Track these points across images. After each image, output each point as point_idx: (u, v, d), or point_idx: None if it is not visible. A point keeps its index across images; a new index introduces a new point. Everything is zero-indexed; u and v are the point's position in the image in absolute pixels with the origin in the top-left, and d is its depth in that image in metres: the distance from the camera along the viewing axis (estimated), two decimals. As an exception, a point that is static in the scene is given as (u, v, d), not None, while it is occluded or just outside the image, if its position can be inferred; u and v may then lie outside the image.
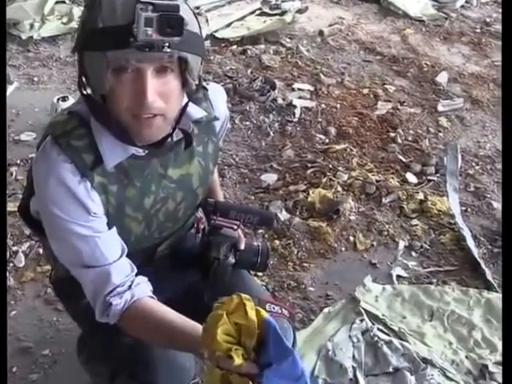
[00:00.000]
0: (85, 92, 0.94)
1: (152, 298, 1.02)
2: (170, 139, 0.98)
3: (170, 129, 0.97)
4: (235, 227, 1.16)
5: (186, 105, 0.98)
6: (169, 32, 0.83)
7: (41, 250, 1.92)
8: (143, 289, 1.02)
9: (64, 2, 3.52)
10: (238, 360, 0.79)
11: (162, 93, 0.90)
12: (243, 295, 0.82)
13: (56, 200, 0.95)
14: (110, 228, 1.01)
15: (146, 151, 1.01)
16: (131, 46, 0.83)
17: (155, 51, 0.85)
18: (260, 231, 2.07)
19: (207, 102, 1.09)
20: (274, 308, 1.15)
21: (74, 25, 3.33)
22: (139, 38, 0.82)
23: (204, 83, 1.08)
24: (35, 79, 2.91)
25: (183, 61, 0.90)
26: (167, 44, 0.84)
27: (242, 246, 1.20)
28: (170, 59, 0.88)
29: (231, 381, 0.80)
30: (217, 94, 1.13)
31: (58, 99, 2.46)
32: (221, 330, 0.80)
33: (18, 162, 2.31)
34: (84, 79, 0.93)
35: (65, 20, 3.38)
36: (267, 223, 1.22)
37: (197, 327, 0.92)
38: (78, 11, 3.42)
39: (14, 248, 1.93)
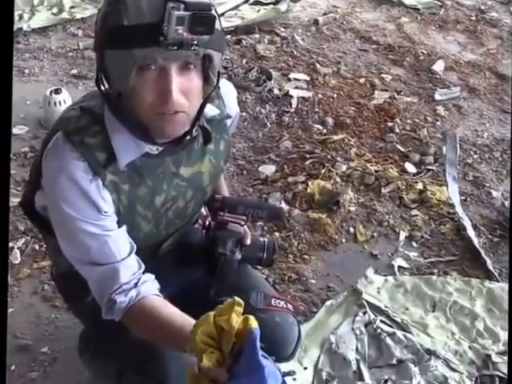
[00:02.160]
0: (103, 88, 0.92)
1: (158, 295, 1.00)
2: (188, 136, 0.97)
3: (189, 126, 0.96)
4: (242, 223, 1.14)
5: (205, 102, 0.96)
6: (200, 31, 0.82)
7: (37, 246, 1.89)
8: (149, 287, 1.00)
9: (54, -8, 3.45)
10: (206, 362, 0.77)
11: (184, 90, 0.89)
12: (237, 299, 0.80)
13: (66, 198, 0.94)
14: (119, 226, 0.99)
15: (160, 149, 0.99)
16: (160, 45, 0.82)
17: (183, 49, 0.83)
18: (259, 223, 2.05)
19: (219, 99, 1.08)
20: (279, 303, 1.14)
21: (65, 15, 3.27)
22: (169, 37, 0.81)
23: None
24: (26, 71, 2.85)
25: (207, 58, 0.89)
26: (196, 42, 0.83)
27: (248, 242, 1.18)
28: (195, 57, 0.87)
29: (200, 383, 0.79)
30: (228, 90, 1.12)
31: (51, 92, 2.41)
32: (201, 330, 0.79)
33: (11, 156, 2.27)
34: (103, 76, 0.91)
35: (55, 10, 3.31)
36: (276, 217, 1.20)
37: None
38: (68, 1, 3.37)
39: (10, 244, 1.89)
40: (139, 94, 0.88)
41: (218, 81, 0.94)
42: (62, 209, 0.94)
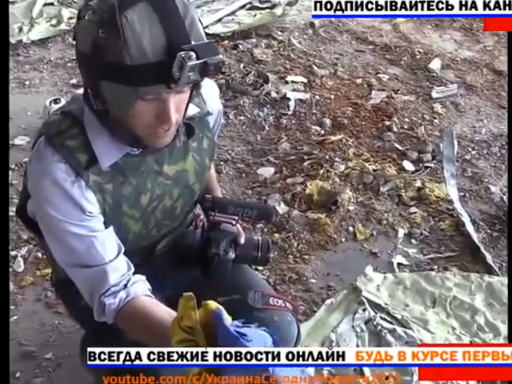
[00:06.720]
0: (95, 107, 0.93)
1: (149, 296, 1.02)
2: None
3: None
4: (234, 222, 1.15)
5: (187, 105, 0.98)
6: (211, 73, 0.86)
7: (39, 254, 1.92)
8: (139, 287, 1.01)
9: (52, 4, 3.48)
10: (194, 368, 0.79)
11: (179, 108, 0.92)
12: (185, 295, 0.81)
13: (50, 200, 0.95)
14: (106, 227, 1.00)
15: (141, 149, 1.01)
16: (170, 87, 0.84)
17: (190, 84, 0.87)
18: (259, 225, 2.07)
19: (199, 97, 1.09)
20: (277, 302, 1.15)
21: (64, 26, 3.30)
22: (181, 82, 0.83)
23: None
24: (26, 83, 2.89)
25: None
26: None
27: (242, 241, 1.20)
28: None
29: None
30: (209, 89, 1.13)
31: (51, 102, 2.44)
32: (174, 340, 0.81)
33: (13, 166, 2.30)
34: (93, 94, 0.91)
35: (54, 22, 3.34)
36: (266, 217, 1.21)
37: None
38: (66, 12, 3.40)
39: (13, 253, 1.92)
40: (136, 117, 0.90)
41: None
42: (47, 211, 0.96)
